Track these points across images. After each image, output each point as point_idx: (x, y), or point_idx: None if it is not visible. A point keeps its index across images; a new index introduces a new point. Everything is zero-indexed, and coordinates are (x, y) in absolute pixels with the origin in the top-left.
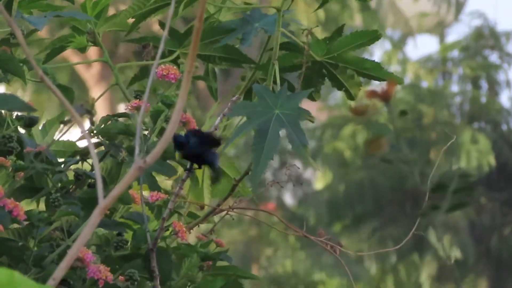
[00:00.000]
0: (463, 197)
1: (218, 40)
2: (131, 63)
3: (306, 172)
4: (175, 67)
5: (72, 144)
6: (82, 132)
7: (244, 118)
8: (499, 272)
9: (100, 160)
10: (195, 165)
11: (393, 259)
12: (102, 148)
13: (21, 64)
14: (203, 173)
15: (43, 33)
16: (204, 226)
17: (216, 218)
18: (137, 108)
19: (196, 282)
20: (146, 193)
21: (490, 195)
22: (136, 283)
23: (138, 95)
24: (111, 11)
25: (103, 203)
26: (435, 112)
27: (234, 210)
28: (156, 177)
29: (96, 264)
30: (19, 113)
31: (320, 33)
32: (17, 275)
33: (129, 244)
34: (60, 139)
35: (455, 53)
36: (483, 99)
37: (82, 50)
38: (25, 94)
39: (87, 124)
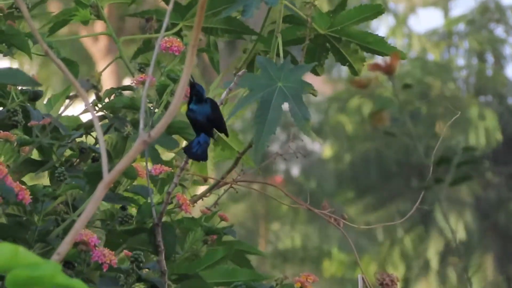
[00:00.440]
0: (468, 170)
1: (220, 11)
2: (135, 36)
3: (313, 145)
4: (178, 39)
5: (76, 119)
6: (86, 106)
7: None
8: (505, 247)
9: (104, 133)
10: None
11: (399, 233)
12: (107, 121)
13: (26, 38)
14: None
15: (49, 7)
16: (210, 200)
17: (221, 191)
18: (143, 82)
19: (200, 256)
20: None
21: (496, 169)
22: (141, 264)
23: (142, 68)
24: None
25: (108, 177)
26: (441, 85)
27: (239, 183)
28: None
29: (100, 248)
30: (24, 87)
31: (324, 7)
32: (21, 250)
33: (134, 219)
34: (65, 114)
35: (461, 27)
36: (489, 73)
37: (85, 23)
38: (31, 68)
39: (92, 98)
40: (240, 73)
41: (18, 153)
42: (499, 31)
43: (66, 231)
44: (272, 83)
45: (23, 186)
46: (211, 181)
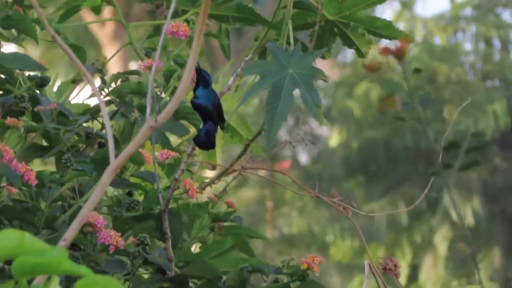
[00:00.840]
0: (476, 156)
1: None
2: (144, 22)
3: (321, 130)
4: (185, 24)
5: (84, 106)
6: (92, 90)
7: (257, 78)
8: None
9: (111, 118)
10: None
11: (406, 220)
12: (113, 106)
13: (32, 24)
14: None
15: None
16: (219, 187)
17: (229, 178)
18: (149, 67)
19: (207, 243)
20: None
21: (504, 154)
22: (147, 247)
23: (148, 53)
24: None
25: (115, 163)
26: (449, 70)
27: (247, 170)
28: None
29: (107, 230)
30: (31, 73)
31: None
32: (27, 236)
33: (140, 205)
34: (72, 101)
35: (467, 11)
36: (496, 57)
37: (96, 10)
38: (37, 51)
39: (98, 83)
40: (247, 58)
41: (25, 139)
42: (506, 15)
43: (72, 217)
44: (283, 70)
45: (29, 168)
46: (220, 168)
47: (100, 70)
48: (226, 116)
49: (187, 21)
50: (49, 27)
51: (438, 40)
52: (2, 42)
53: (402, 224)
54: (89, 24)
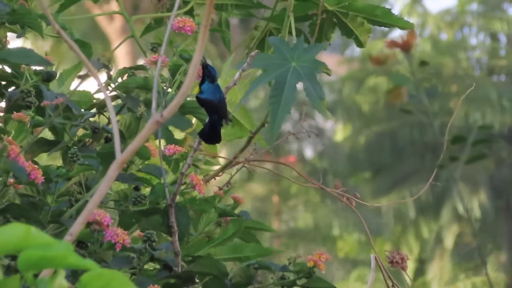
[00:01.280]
0: (483, 149)
1: None
2: (147, 15)
3: (326, 124)
4: (191, 19)
5: (88, 94)
6: (98, 86)
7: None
8: None
9: (117, 113)
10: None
11: (414, 213)
12: (120, 101)
13: (38, 18)
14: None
15: None
16: (224, 179)
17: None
18: (155, 62)
19: (213, 237)
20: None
21: (511, 148)
22: (154, 244)
23: (155, 48)
24: None
25: (121, 157)
26: (455, 64)
27: (252, 163)
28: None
29: (113, 227)
30: (38, 68)
31: None
32: (33, 230)
33: (147, 199)
34: (77, 90)
35: (473, 7)
36: (502, 52)
37: (96, 1)
38: (46, 44)
39: (104, 78)
40: (252, 53)
41: (32, 134)
42: None
43: (79, 212)
44: (286, 63)
45: (36, 166)
46: (224, 161)
47: (106, 65)
48: (229, 108)
49: (189, 13)
50: (54, 22)
51: (445, 35)
52: (8, 38)
53: (409, 218)
54: (92, 17)
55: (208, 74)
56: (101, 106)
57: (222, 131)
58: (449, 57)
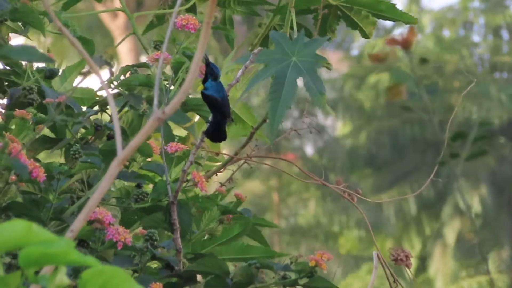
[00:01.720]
0: (484, 145)
1: None
2: (149, 12)
3: (327, 121)
4: (194, 17)
5: (90, 91)
6: (101, 83)
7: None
8: None
9: (120, 110)
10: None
11: (414, 210)
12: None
13: (39, 16)
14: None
15: None
16: (225, 175)
17: (234, 167)
18: (158, 60)
19: (216, 235)
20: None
21: (510, 145)
22: (156, 242)
23: (157, 45)
24: None
25: (122, 154)
26: (457, 61)
27: (253, 159)
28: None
29: (115, 226)
30: (40, 65)
31: None
32: (34, 227)
33: (149, 196)
34: (79, 86)
35: (476, 3)
36: (505, 49)
37: (99, 0)
38: (46, 40)
39: (106, 75)
40: (255, 50)
41: (34, 131)
42: None
43: (81, 209)
44: (287, 58)
45: (37, 164)
46: (225, 157)
47: (108, 62)
48: (230, 104)
49: (191, 10)
50: (56, 19)
51: (447, 32)
52: (10, 35)
53: (411, 215)
54: (100, 15)
55: (210, 72)
56: (103, 104)
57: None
58: (451, 54)
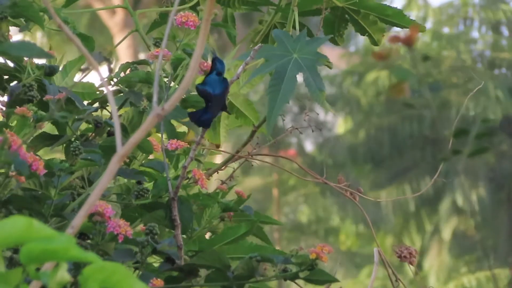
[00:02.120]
0: (484, 142)
1: None
2: (151, 9)
3: (327, 118)
4: (194, 14)
5: (91, 85)
6: (101, 80)
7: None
8: None
9: (120, 107)
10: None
11: (413, 206)
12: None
13: (41, 13)
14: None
15: None
16: (225, 173)
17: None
18: (158, 57)
19: (217, 232)
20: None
21: (510, 141)
22: (156, 237)
23: (158, 43)
24: None
25: (122, 150)
26: (456, 57)
27: (254, 157)
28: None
29: (115, 219)
30: (40, 62)
31: None
32: (35, 223)
33: (150, 193)
34: (80, 81)
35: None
36: (504, 44)
37: None
38: (43, 37)
39: (105, 71)
40: (256, 47)
41: (34, 128)
42: None
43: (81, 205)
44: (288, 54)
45: (37, 157)
46: (226, 154)
47: (107, 58)
48: (231, 98)
49: (194, 8)
50: (56, 15)
51: (447, 28)
52: (11, 32)
53: (409, 211)
54: (96, 11)
55: (214, 67)
56: (103, 101)
57: (225, 121)
58: (450, 50)
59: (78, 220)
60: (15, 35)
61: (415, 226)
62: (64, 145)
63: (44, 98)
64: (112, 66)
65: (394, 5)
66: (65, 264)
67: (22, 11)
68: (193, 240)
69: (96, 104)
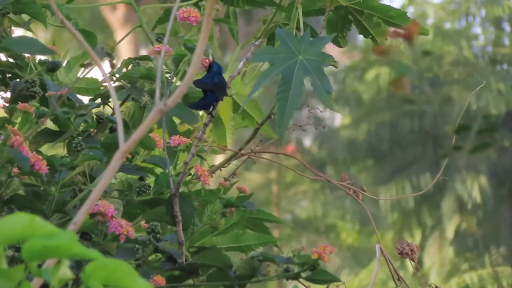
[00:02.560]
0: (486, 138)
1: None
2: (154, 5)
3: (327, 113)
4: (196, 9)
5: (95, 81)
6: (103, 76)
7: (267, 64)
8: None
9: (122, 103)
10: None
11: (412, 203)
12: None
13: (41, 7)
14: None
15: None
16: (227, 169)
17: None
18: (159, 52)
19: (218, 228)
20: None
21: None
22: (158, 235)
23: (160, 38)
24: None
25: (124, 146)
26: (458, 53)
27: (257, 154)
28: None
29: (117, 219)
30: (42, 58)
31: None
32: (37, 220)
33: (151, 189)
34: (84, 77)
35: None
36: (506, 41)
37: None
38: (47, 34)
39: (107, 67)
40: (257, 42)
41: (36, 124)
42: None
43: (83, 202)
44: (293, 56)
45: (40, 157)
46: (227, 154)
47: (110, 54)
48: (237, 99)
49: (197, 4)
50: (58, 11)
51: (448, 24)
52: (12, 28)
53: (409, 207)
54: (99, 6)
55: (211, 69)
56: (105, 97)
57: (231, 122)
58: (451, 46)
59: (80, 217)
60: (26, 33)
61: (416, 222)
62: (66, 141)
63: (46, 94)
64: (114, 61)
65: (394, 1)
66: (67, 261)
67: (24, 8)
68: (195, 237)
69: (98, 100)
